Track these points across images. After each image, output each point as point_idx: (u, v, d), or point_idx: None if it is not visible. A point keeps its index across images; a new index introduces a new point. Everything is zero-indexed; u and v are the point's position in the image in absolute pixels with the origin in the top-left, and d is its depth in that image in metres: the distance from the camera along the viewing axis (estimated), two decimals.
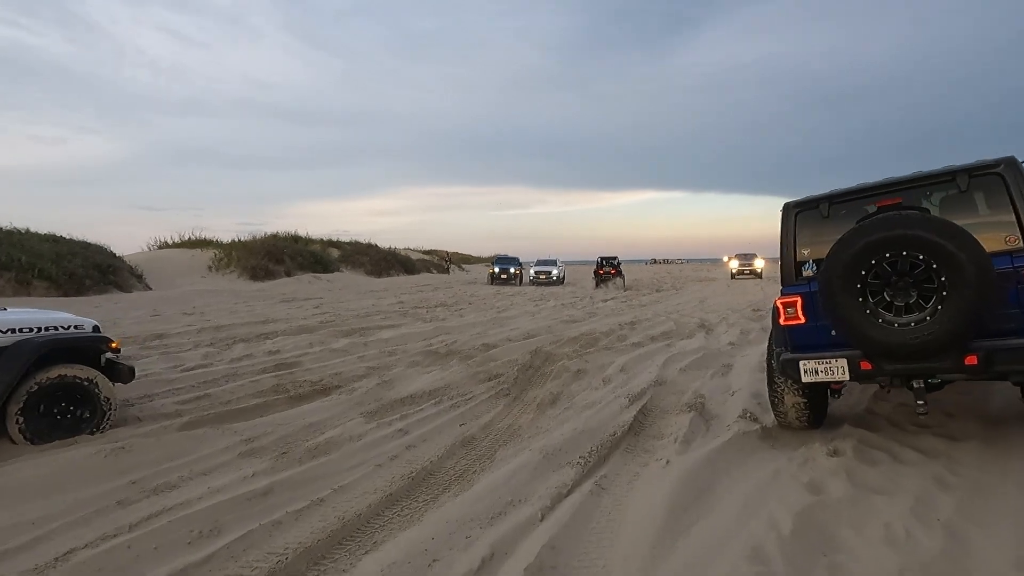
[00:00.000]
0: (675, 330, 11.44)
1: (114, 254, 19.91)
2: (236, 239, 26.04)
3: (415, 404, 5.95)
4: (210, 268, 23.60)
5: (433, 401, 5.98)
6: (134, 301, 16.69)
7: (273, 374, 7.32)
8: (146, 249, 26.61)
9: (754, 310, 15.29)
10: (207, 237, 26.38)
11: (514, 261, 32.72)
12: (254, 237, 25.75)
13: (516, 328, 11.99)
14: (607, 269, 28.12)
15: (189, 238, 26.40)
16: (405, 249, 43.22)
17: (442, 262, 38.37)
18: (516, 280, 31.18)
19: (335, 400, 6.08)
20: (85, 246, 18.77)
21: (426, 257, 47.44)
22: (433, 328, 11.85)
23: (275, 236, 32.32)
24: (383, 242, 40.00)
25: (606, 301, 19.92)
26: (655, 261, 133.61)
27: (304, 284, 24.15)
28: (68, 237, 18.82)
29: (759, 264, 34.37)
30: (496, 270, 31.42)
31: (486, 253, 60.92)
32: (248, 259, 23.77)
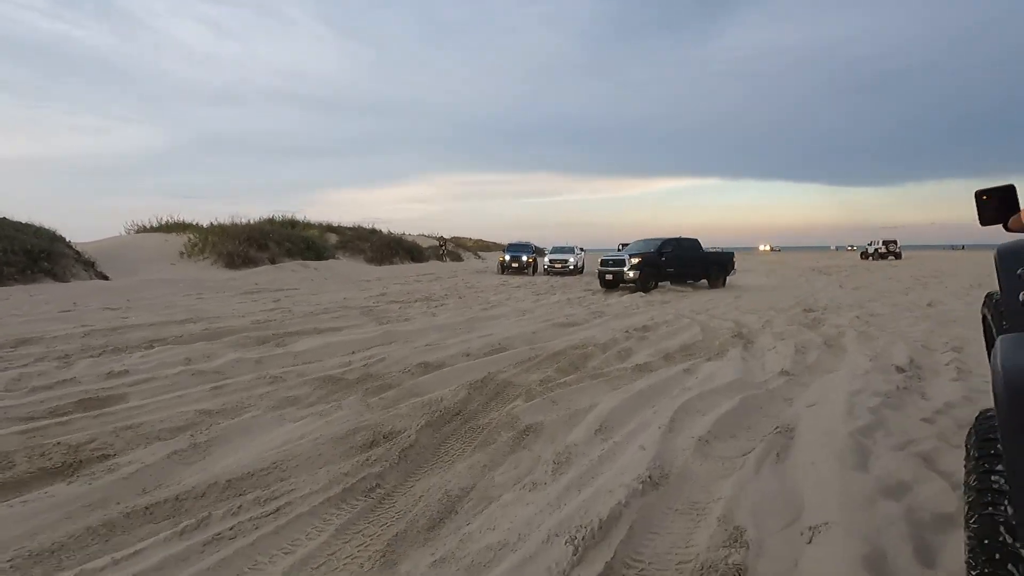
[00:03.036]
0: (700, 341, 8.38)
1: (61, 239, 17.64)
2: (214, 222, 23.74)
3: (160, 519, 3.11)
4: (182, 254, 21.31)
5: (194, 521, 3.08)
6: (58, 292, 14.33)
7: (43, 422, 4.58)
8: (123, 233, 24.54)
9: (805, 311, 12.07)
10: (187, 220, 24.15)
11: (527, 248, 29.72)
12: (235, 221, 23.45)
13: (490, 335, 9.09)
14: None
15: (167, 221, 24.21)
16: (418, 235, 40.61)
17: (438, 249, 35.47)
18: (529, 269, 28.22)
19: (43, 502, 3.28)
20: (20, 229, 16.50)
21: (439, 244, 44.81)
22: (380, 333, 9.02)
23: (270, 220, 30.06)
24: (412, 229, 37.54)
25: (622, 296, 16.82)
26: None
27: (287, 273, 21.67)
28: (11, 219, 16.63)
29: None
30: (507, 258, 28.50)
31: (533, 241, 58.09)
32: (225, 245, 21.39)
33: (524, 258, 28.33)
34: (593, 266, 33.92)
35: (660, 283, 18.64)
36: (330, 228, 31.08)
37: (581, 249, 31.90)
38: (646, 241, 19.44)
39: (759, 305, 13.59)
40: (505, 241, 35.90)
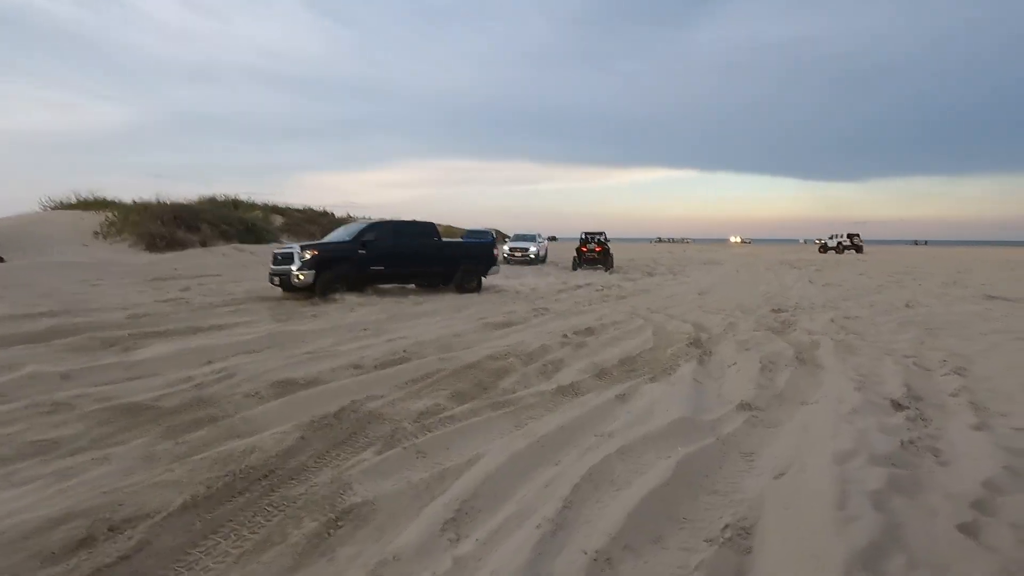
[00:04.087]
0: (649, 351, 6.93)
1: None
2: (137, 200, 21.50)
3: None
4: (97, 235, 19.17)
5: None
6: None
7: None
8: (40, 210, 22.18)
9: (774, 311, 10.74)
10: (108, 198, 21.85)
11: (486, 236, 28.00)
12: (159, 200, 21.25)
13: (401, 338, 7.52)
14: (591, 247, 23.39)
15: (85, 198, 21.91)
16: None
17: None
18: None
19: None
20: None
21: None
22: (267, 334, 7.38)
23: (210, 200, 27.83)
24: (390, 214, 35.35)
25: (577, 288, 15.38)
26: (661, 240, 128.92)
27: (216, 258, 19.69)
28: None
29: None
30: None
31: (501, 229, 56.32)
32: (146, 225, 19.30)
33: None
34: (562, 255, 32.47)
35: (363, 286, 12.48)
36: (276, 210, 28.91)
37: (553, 238, 30.39)
38: (347, 227, 13.63)
39: (724, 303, 12.25)
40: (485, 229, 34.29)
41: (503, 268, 23.64)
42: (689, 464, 3.19)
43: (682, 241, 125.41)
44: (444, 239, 14.11)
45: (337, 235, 13.42)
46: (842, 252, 48.05)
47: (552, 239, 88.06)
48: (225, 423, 4.14)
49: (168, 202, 21.82)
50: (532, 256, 26.29)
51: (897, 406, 4.15)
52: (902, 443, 3.30)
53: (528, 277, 19.31)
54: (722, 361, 6.28)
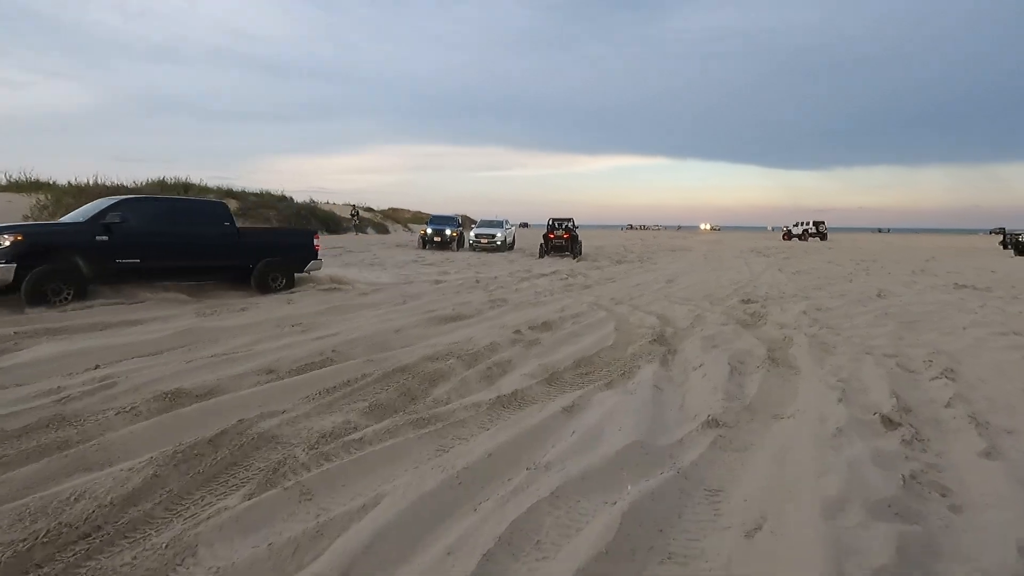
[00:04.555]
0: (608, 349, 6.26)
1: None
2: (72, 182, 20.01)
3: None
4: (27, 219, 17.75)
5: None
6: None
7: None
8: None
9: (743, 301, 10.18)
10: (43, 180, 20.27)
11: (452, 222, 27.19)
12: (96, 182, 19.75)
13: (333, 335, 6.71)
14: (559, 234, 22.69)
15: (17, 179, 20.32)
16: (356, 206, 37.18)
17: (350, 220, 32.02)
18: (453, 244, 25.75)
19: None
20: None
21: (366, 215, 41.61)
22: (179, 332, 6.49)
23: (160, 183, 26.33)
24: (361, 200, 34.10)
25: (541, 277, 14.67)
26: (632, 227, 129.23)
27: None
28: None
29: None
30: (428, 231, 25.89)
31: (470, 215, 55.02)
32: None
33: (448, 232, 25.80)
34: (530, 242, 31.75)
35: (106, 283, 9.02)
36: (230, 193, 27.50)
37: (524, 224, 29.63)
38: (90, 205, 9.86)
39: (693, 292, 11.67)
40: (464, 212, 33.21)
41: (469, 255, 22.81)
42: (640, 513, 2.49)
43: (653, 228, 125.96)
44: (255, 227, 11.93)
45: (72, 215, 9.94)
46: (806, 239, 48.32)
47: (524, 225, 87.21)
48: (75, 452, 3.31)
49: (108, 184, 20.38)
50: (499, 243, 25.52)
51: (888, 423, 3.52)
52: (903, 480, 2.65)
53: (492, 265, 18.54)
54: (687, 362, 5.62)
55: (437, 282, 12.84)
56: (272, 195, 30.24)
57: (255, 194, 29.27)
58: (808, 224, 50.67)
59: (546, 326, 7.58)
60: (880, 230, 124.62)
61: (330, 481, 2.98)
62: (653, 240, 48.42)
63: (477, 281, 13.19)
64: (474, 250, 25.54)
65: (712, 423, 3.69)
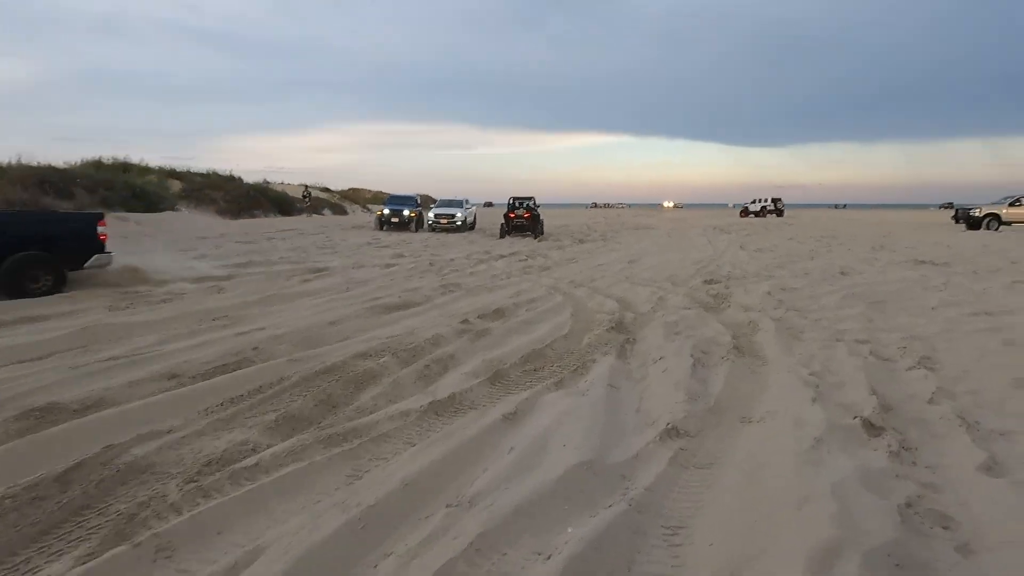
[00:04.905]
0: (562, 339, 5.74)
1: None
2: None
3: None
4: None
5: None
6: None
7: None
8: None
9: (707, 282, 9.79)
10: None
11: (410, 202, 26.26)
12: (18, 162, 18.22)
13: (259, 329, 6.04)
14: (520, 213, 22.05)
15: None
16: (308, 186, 35.63)
17: (303, 201, 30.64)
18: (412, 225, 24.87)
19: None
20: None
21: (322, 196, 40.17)
22: (74, 332, 5.72)
23: (95, 164, 24.66)
24: (320, 180, 32.55)
25: (500, 259, 14.08)
26: (596, 205, 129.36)
27: None
28: None
29: None
30: (386, 212, 24.93)
31: (432, 195, 53.52)
32: (2, 191, 16.53)
33: (406, 212, 24.88)
34: (491, 221, 31.03)
35: None
36: (173, 174, 25.91)
37: (489, 203, 28.88)
38: None
39: (655, 273, 11.25)
40: (426, 192, 32.14)
41: (428, 237, 22.01)
42: (580, 569, 1.96)
43: (617, 206, 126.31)
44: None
45: None
46: (764, 215, 48.77)
47: (488, 205, 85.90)
48: None
49: (34, 165, 18.88)
50: (459, 223, 24.73)
51: (870, 427, 3.08)
52: (899, 512, 2.19)
53: (450, 246, 17.86)
54: (647, 353, 5.13)
55: (389, 266, 12.13)
56: (220, 175, 28.71)
57: (201, 175, 27.72)
58: (766, 201, 51.16)
59: (498, 314, 7.02)
60: (837, 206, 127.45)
61: (200, 529, 2.37)
62: (617, 218, 48.16)
63: (431, 264, 12.53)
64: (433, 231, 24.72)
65: (672, 432, 3.19)
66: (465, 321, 6.48)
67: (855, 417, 3.16)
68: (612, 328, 6.12)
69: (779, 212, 50.10)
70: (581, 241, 20.54)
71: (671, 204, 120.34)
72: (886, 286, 9.00)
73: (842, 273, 10.77)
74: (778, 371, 4.36)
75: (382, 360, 4.88)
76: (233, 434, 3.38)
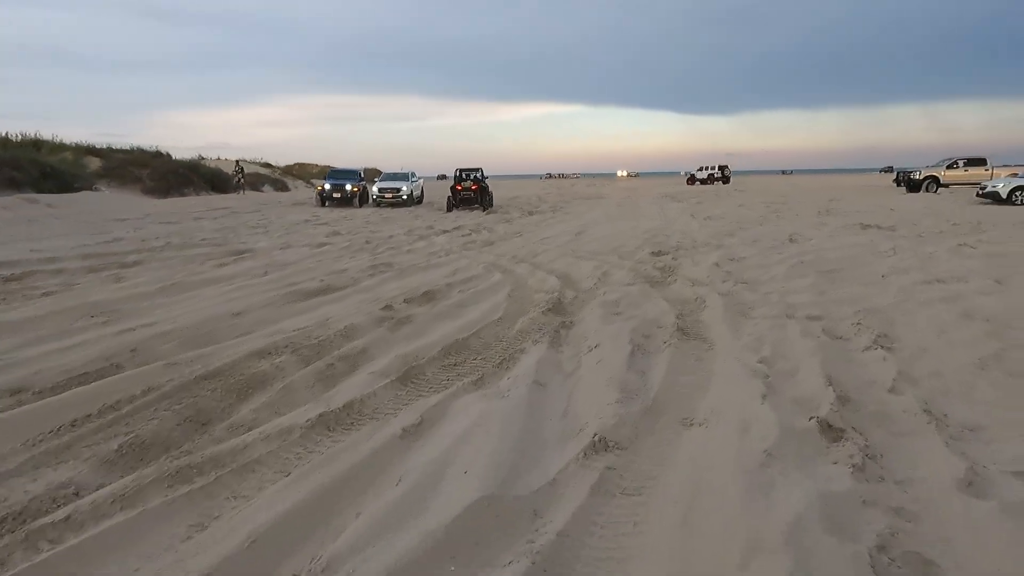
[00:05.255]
0: (493, 324, 5.17)
1: None
2: None
3: None
4: None
5: None
6: None
7: None
8: None
9: (654, 254, 9.36)
10: None
11: (353, 176, 25.05)
12: None
13: (143, 326, 5.25)
14: (466, 185, 21.23)
15: None
16: (240, 161, 33.62)
17: (235, 176, 28.85)
18: (355, 200, 23.75)
19: None
20: None
21: (263, 171, 38.28)
22: None
23: (3, 140, 22.61)
24: (268, 156, 30.47)
25: (442, 233, 13.38)
26: (551, 176, 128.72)
27: None
28: None
29: None
30: (327, 187, 23.71)
31: (385, 169, 51.39)
32: None
33: (348, 187, 23.71)
34: (439, 194, 30.08)
35: None
36: (91, 151, 23.94)
37: (442, 176, 27.86)
38: None
39: (603, 245, 10.77)
40: (376, 166, 30.66)
41: (371, 212, 20.99)
42: None
43: (572, 177, 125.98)
44: None
45: None
46: (712, 183, 49.12)
47: (441, 177, 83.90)
48: None
49: None
50: (404, 197, 23.71)
51: (828, 430, 2.62)
52: (871, 562, 1.70)
53: (393, 221, 17.01)
54: (583, 338, 4.61)
55: (320, 245, 11.29)
56: (145, 151, 26.73)
57: (124, 151, 25.72)
58: (713, 168, 51.58)
59: (427, 297, 6.39)
60: (785, 172, 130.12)
61: None
62: (571, 189, 47.67)
63: (367, 242, 11.74)
64: (379, 205, 23.67)
65: (600, 444, 2.66)
66: (388, 307, 5.83)
67: (811, 418, 2.70)
68: (549, 310, 5.59)
69: (726, 179, 50.60)
70: (530, 213, 19.94)
71: (625, 173, 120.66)
72: (835, 252, 8.74)
73: (791, 240, 10.52)
74: (725, 357, 3.89)
75: (279, 359, 4.21)
76: (58, 472, 2.70)
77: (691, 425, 2.91)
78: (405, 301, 6.12)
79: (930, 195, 25.05)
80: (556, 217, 18.09)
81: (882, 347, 3.86)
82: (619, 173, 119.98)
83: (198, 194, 26.20)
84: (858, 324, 4.50)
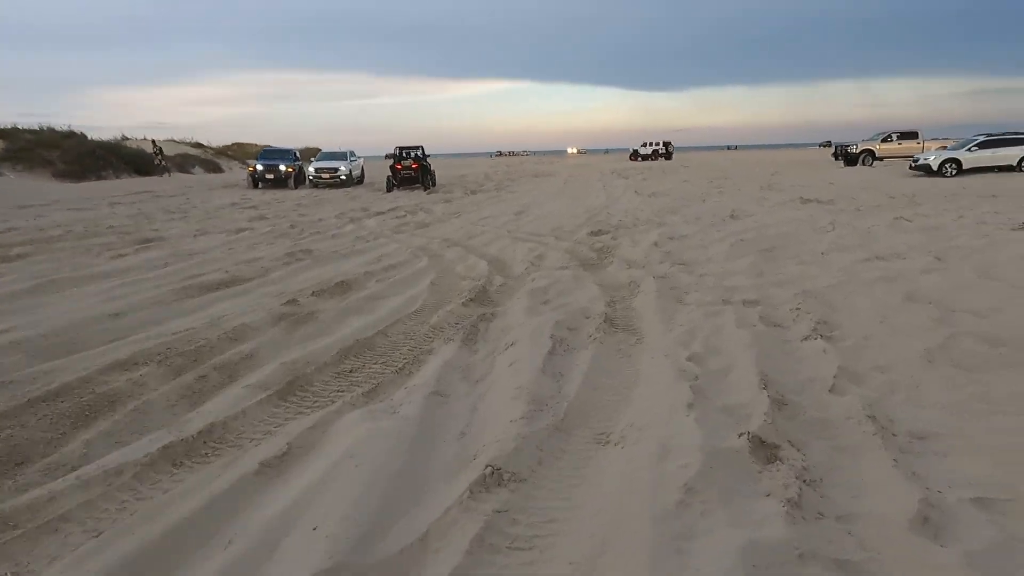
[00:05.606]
0: (405, 320, 4.63)
1: None
2: None
3: None
4: None
5: None
6: None
7: None
8: None
9: (593, 233, 8.97)
10: None
11: (287, 156, 23.80)
12: None
13: (6, 329, 4.46)
14: (407, 164, 20.35)
15: None
16: (157, 140, 31.44)
17: (155, 155, 26.87)
18: (290, 181, 22.54)
19: None
20: None
21: (194, 152, 36.16)
22: None
23: None
24: (207, 136, 28.22)
25: (377, 216, 12.65)
26: (501, 154, 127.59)
27: None
28: None
29: None
30: (259, 168, 22.41)
31: (330, 149, 49.24)
32: None
33: (282, 167, 22.48)
34: (379, 175, 29.02)
35: None
36: None
37: (390, 155, 26.81)
38: None
39: (543, 225, 10.30)
40: (322, 146, 29.12)
41: (307, 194, 19.88)
42: None
43: (522, 154, 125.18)
44: None
45: None
46: (656, 159, 49.38)
47: (390, 156, 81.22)
48: None
49: None
50: (343, 177, 22.65)
51: (760, 447, 2.22)
52: None
53: (326, 204, 16.11)
54: (502, 334, 4.13)
55: (240, 231, 10.42)
56: (56, 132, 24.56)
57: (31, 131, 23.56)
58: (658, 144, 51.92)
59: (340, 288, 5.78)
60: (730, 148, 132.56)
61: None
62: (520, 166, 47.01)
63: (292, 226, 10.93)
64: (316, 187, 22.54)
65: (494, 478, 2.18)
66: (292, 302, 5.20)
67: (741, 434, 2.29)
68: (471, 300, 5.09)
69: (668, 155, 51.05)
70: (473, 192, 19.30)
71: (576, 150, 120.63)
72: (775, 228, 8.52)
73: (732, 216, 10.29)
74: (653, 353, 3.47)
75: (142, 372, 3.57)
76: None
77: (606, 443, 2.47)
78: (313, 294, 5.50)
79: (866, 168, 25.60)
80: (500, 196, 17.53)
81: (822, 336, 3.52)
82: (569, 150, 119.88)
83: (119, 177, 24.39)
84: (797, 309, 4.17)
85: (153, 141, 27.43)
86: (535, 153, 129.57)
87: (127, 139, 34.51)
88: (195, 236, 9.83)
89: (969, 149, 19.48)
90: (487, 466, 2.21)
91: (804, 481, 2.01)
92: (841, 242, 6.98)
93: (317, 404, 3.14)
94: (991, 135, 20.03)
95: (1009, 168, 19.11)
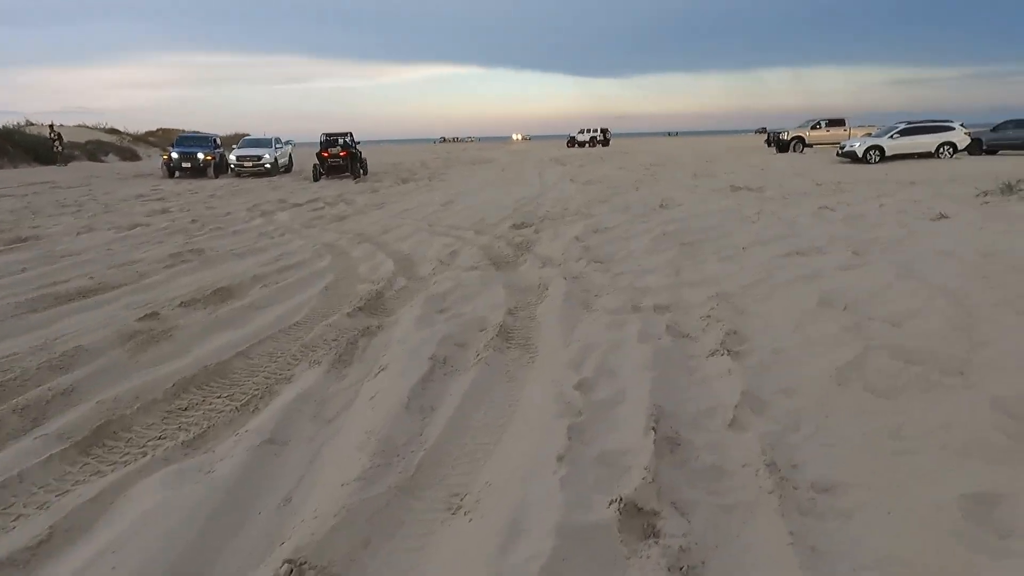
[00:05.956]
0: (279, 336, 4.03)
1: None
2: None
3: None
4: None
5: None
6: None
7: None
8: None
9: (516, 226, 8.51)
10: None
11: (205, 143, 22.31)
12: None
13: None
14: (334, 152, 19.31)
15: None
16: (54, 125, 28.91)
17: (52, 140, 24.65)
18: (210, 170, 21.12)
19: None
20: None
21: (108, 138, 33.68)
22: None
23: None
24: (133, 123, 25.71)
25: (293, 208, 11.82)
26: (445, 140, 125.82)
27: None
28: None
29: None
30: (174, 156, 20.88)
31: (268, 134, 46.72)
32: None
33: (200, 155, 21.03)
34: (306, 163, 27.72)
35: None
36: None
37: (287, 143, 25.47)
38: None
39: (466, 217, 9.78)
40: (256, 132, 27.25)
41: (226, 183, 18.60)
42: None
43: (466, 140, 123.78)
44: None
45: None
46: (594, 146, 49.62)
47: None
48: None
49: None
50: (267, 166, 21.38)
51: (635, 515, 1.78)
52: None
53: (243, 194, 15.07)
54: (379, 353, 3.59)
55: (133, 227, 9.45)
56: None
57: None
58: (595, 131, 52.29)
59: (218, 296, 5.11)
60: (671, 134, 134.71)
61: None
62: (462, 153, 46.13)
63: (193, 221, 10.02)
64: (239, 176, 21.22)
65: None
66: (153, 315, 4.51)
67: (612, 501, 1.85)
68: (360, 309, 4.54)
69: (606, 142, 51.46)
70: (404, 181, 18.54)
71: (520, 137, 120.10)
72: (701, 220, 8.27)
73: (661, 206, 10.04)
74: (539, 378, 3.03)
75: None
76: None
77: (456, 510, 1.99)
78: (182, 304, 4.81)
79: (797, 155, 26.13)
80: (430, 185, 16.85)
81: (728, 352, 3.15)
82: (514, 136, 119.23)
83: (16, 166, 22.31)
84: (708, 317, 3.81)
85: (51, 126, 25.18)
86: (480, 140, 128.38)
87: (31, 124, 31.81)
88: (77, 234, 8.82)
89: (891, 136, 20.04)
90: (284, 562, 1.69)
91: (681, 570, 1.59)
92: (764, 234, 6.75)
93: (123, 460, 2.54)
94: (911, 123, 20.68)
95: (928, 155, 19.77)
